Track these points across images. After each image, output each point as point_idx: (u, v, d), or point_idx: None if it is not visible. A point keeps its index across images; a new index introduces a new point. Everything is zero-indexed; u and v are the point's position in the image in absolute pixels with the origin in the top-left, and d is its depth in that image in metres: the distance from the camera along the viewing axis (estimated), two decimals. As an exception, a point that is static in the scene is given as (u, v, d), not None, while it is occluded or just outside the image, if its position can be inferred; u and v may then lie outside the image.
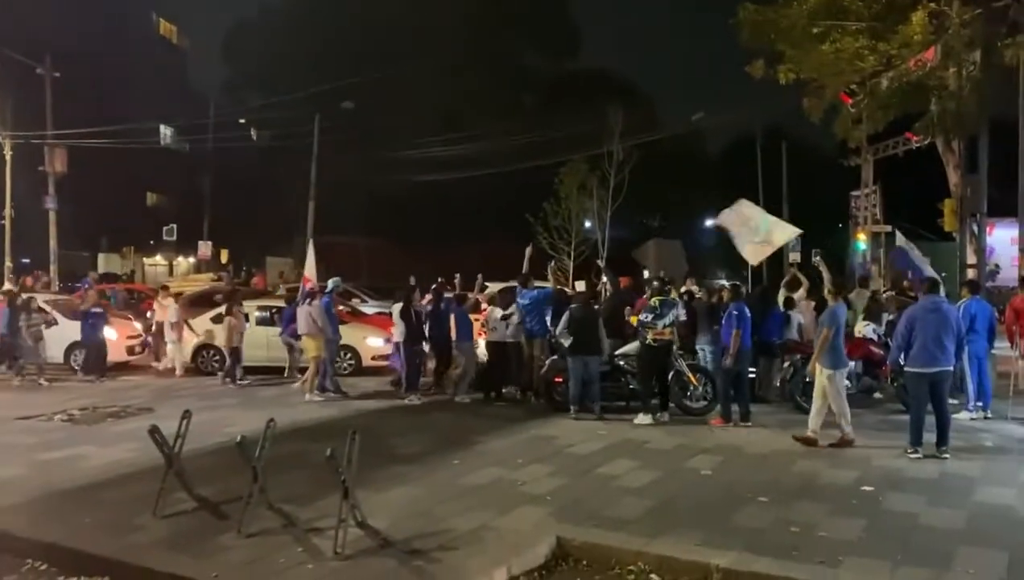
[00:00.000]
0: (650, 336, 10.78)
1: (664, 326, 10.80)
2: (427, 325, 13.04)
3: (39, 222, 30.68)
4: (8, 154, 29.35)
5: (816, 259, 14.83)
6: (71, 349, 15.79)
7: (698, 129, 40.58)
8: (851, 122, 21.96)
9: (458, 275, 16.03)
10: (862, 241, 30.75)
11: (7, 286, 18.43)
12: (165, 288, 18.09)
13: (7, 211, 29.88)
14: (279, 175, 40.21)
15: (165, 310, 16.24)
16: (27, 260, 32.61)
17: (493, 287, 15.45)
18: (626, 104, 30.86)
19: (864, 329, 12.61)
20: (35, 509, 7.16)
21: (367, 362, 15.57)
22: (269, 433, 6.73)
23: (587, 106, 34.33)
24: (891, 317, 12.74)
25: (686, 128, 39.25)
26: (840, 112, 22.00)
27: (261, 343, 15.47)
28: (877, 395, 12.08)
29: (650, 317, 10.85)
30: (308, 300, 13.37)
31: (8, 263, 29.86)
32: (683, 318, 11.57)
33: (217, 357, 15.52)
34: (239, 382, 14.31)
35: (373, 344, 15.69)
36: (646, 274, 16.97)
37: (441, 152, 37.67)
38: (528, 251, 14.72)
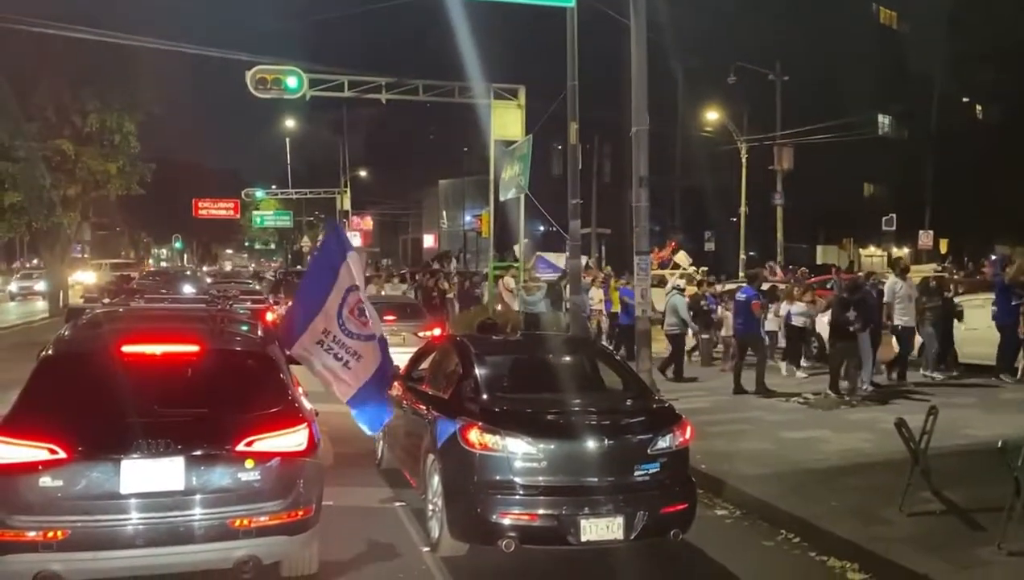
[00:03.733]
0: None
1: None
2: None
3: (767, 217, 33.56)
4: (744, 157, 32.85)
5: None
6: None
7: None
8: None
9: None
10: None
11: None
12: None
13: (742, 208, 33.44)
14: (1013, 153, 35.98)
15: None
16: (752, 253, 35.62)
17: None
18: None
19: None
20: (784, 483, 7.68)
21: None
22: (1033, 443, 5.98)
23: None
24: None
25: None
26: None
27: (991, 340, 13.85)
28: None
29: None
30: None
31: (742, 255, 33.35)
32: None
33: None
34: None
35: None
36: None
37: None
38: None
